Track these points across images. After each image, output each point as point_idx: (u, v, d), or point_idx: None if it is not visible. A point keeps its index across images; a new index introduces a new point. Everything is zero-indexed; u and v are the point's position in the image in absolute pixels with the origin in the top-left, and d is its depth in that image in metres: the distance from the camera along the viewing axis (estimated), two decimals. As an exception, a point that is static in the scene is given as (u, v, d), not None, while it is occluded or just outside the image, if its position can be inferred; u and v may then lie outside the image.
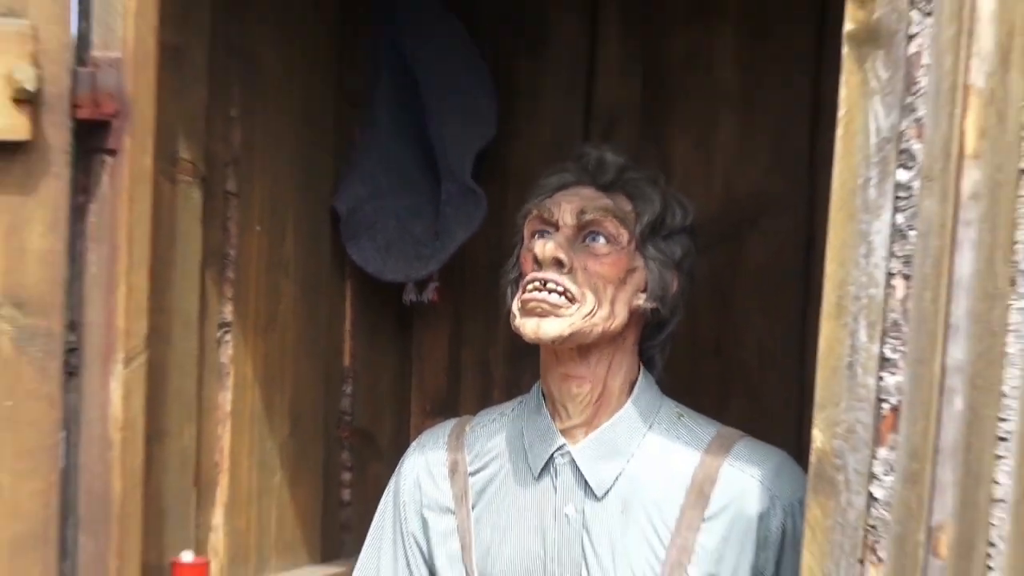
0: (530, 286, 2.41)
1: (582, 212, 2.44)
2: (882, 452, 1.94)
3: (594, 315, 2.41)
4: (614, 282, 2.45)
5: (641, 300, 2.49)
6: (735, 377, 3.06)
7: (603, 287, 2.43)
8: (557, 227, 2.45)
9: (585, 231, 2.45)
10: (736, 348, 3.14)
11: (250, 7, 2.77)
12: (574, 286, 2.40)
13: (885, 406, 1.93)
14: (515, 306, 2.46)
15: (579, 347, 2.45)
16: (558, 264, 2.40)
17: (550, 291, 2.39)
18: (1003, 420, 2.40)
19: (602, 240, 2.45)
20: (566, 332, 2.39)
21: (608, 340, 2.48)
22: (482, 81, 3.16)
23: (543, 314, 2.40)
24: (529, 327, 2.40)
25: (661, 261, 2.50)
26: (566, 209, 2.46)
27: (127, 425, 2.31)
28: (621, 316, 2.46)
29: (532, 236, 2.49)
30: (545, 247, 2.40)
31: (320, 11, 2.98)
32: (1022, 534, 2.49)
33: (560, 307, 2.39)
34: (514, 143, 3.22)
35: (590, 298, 2.41)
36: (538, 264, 2.42)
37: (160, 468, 2.54)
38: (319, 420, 3.04)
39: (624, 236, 2.46)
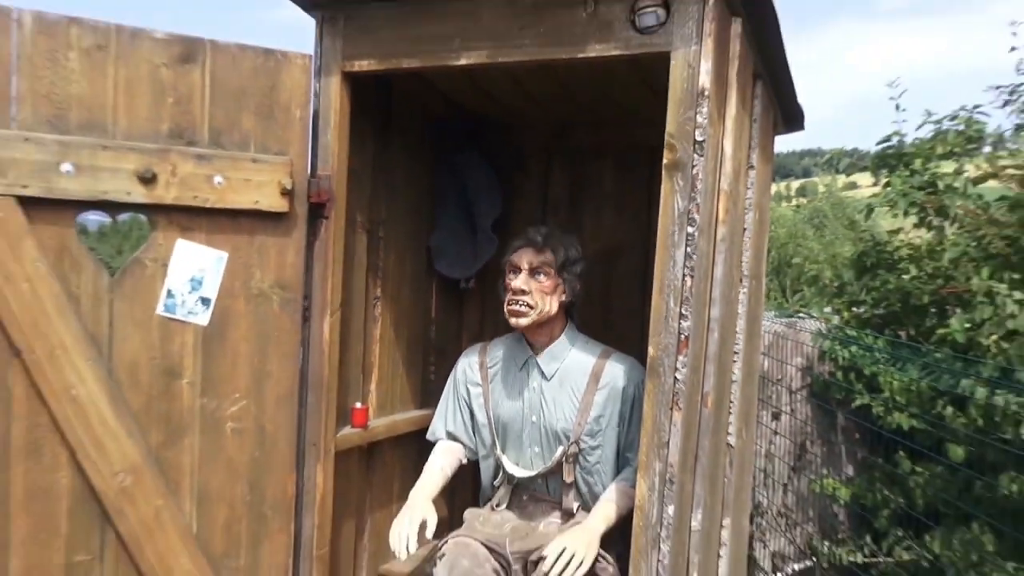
0: (511, 301, 2.48)
1: (531, 262, 2.48)
2: (680, 358, 1.94)
3: (542, 311, 2.47)
4: (551, 294, 2.49)
5: (564, 298, 2.53)
6: (614, 324, 3.06)
7: (545, 297, 2.48)
8: (520, 270, 2.49)
9: (534, 271, 2.48)
10: (614, 311, 3.14)
11: (389, 151, 2.75)
12: (532, 300, 2.46)
13: (682, 336, 1.93)
14: (505, 310, 2.50)
15: (538, 324, 2.49)
16: (522, 291, 2.45)
17: (520, 304, 2.46)
18: (736, 344, 2.41)
19: (542, 276, 2.48)
20: (530, 323, 2.47)
21: (551, 317, 2.51)
22: (495, 188, 3.15)
23: (518, 316, 2.47)
24: (512, 321, 2.48)
25: (570, 279, 2.53)
26: (523, 260, 2.49)
27: (330, 344, 2.32)
28: (555, 307, 2.50)
29: (508, 273, 2.52)
30: (515, 282, 2.47)
31: (420, 156, 2.97)
32: (746, 397, 2.50)
33: (526, 312, 2.46)
34: (510, 217, 3.21)
35: (540, 303, 2.47)
36: (513, 291, 2.47)
37: (345, 363, 2.53)
38: (419, 342, 3.04)
39: (552, 272, 2.49)
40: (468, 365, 2.71)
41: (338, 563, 2.58)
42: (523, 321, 2.48)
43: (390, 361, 2.85)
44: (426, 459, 2.65)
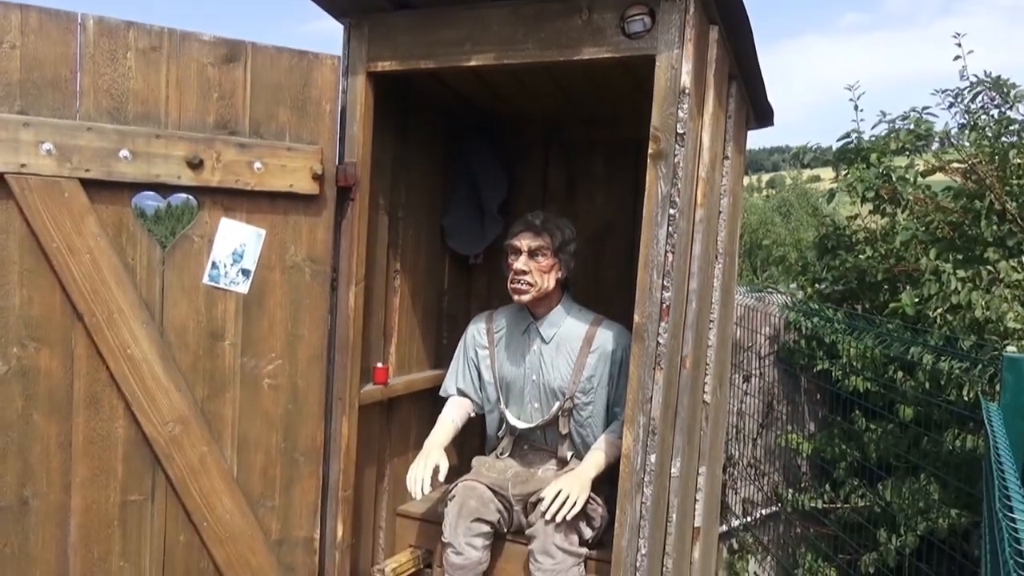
0: (513, 280, 2.47)
1: (530, 245, 2.46)
2: (662, 324, 1.94)
3: (541, 288, 2.46)
4: (548, 272, 2.47)
5: (560, 275, 2.51)
6: (603, 296, 3.04)
7: (544, 275, 2.46)
8: (521, 252, 2.47)
9: (533, 253, 2.46)
10: (603, 284, 3.12)
11: (407, 142, 2.74)
12: (532, 279, 2.44)
13: (664, 305, 1.93)
14: (509, 288, 2.49)
15: (538, 299, 2.48)
16: (523, 271, 2.44)
17: (522, 283, 2.44)
18: (712, 313, 2.41)
19: (540, 257, 2.46)
20: (531, 299, 2.47)
21: (549, 291, 2.50)
22: (500, 175, 3.14)
23: (520, 293, 2.45)
24: (515, 298, 2.48)
25: (565, 258, 2.51)
26: (524, 243, 2.47)
27: (355, 310, 2.31)
28: (553, 284, 2.49)
29: (510, 255, 2.50)
30: (517, 264, 2.46)
31: (435, 146, 2.96)
32: (720, 360, 2.50)
33: (527, 290, 2.45)
34: (513, 201, 3.20)
35: (539, 281, 2.45)
36: (515, 271, 2.46)
37: (368, 328, 2.53)
38: (433, 310, 3.03)
39: (549, 253, 2.47)
40: (476, 331, 2.71)
41: (361, 503, 2.59)
42: (525, 298, 2.48)
43: (408, 326, 2.85)
44: (439, 413, 2.67)
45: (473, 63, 2.13)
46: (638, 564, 2.01)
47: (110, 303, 2.00)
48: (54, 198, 1.93)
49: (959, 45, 4.14)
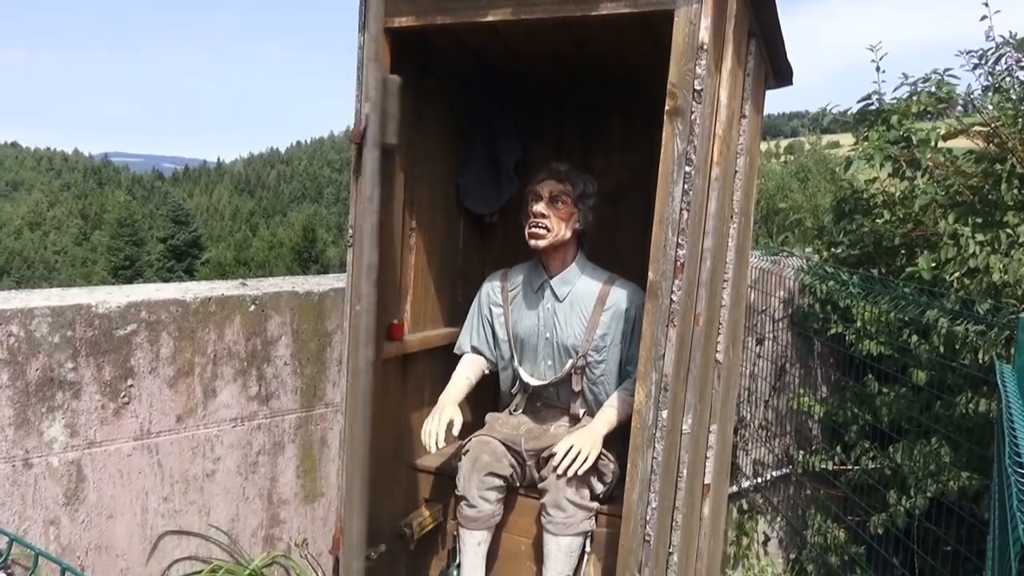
0: (531, 224, 2.47)
1: (551, 191, 2.46)
2: (676, 282, 1.93)
3: (558, 235, 2.46)
4: (566, 220, 2.47)
5: (577, 226, 2.51)
6: (618, 255, 3.02)
7: (561, 223, 2.46)
8: (541, 197, 2.46)
9: (553, 199, 2.46)
10: (618, 243, 3.10)
11: (424, 99, 2.72)
12: (549, 224, 2.44)
13: (678, 263, 1.92)
14: (526, 232, 2.48)
15: (553, 247, 2.48)
16: (542, 215, 2.43)
17: (540, 227, 2.44)
18: (726, 273, 2.40)
19: (560, 204, 2.46)
20: (547, 244, 2.46)
21: (565, 242, 2.50)
22: (516, 134, 3.13)
23: (537, 238, 2.45)
24: (532, 243, 2.47)
25: (584, 210, 2.51)
26: (545, 190, 2.47)
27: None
28: (569, 233, 2.49)
29: (531, 200, 2.50)
30: (536, 207, 2.46)
31: (451, 104, 2.95)
32: (733, 320, 2.49)
33: (543, 235, 2.44)
34: (529, 161, 3.18)
35: (556, 228, 2.45)
36: (534, 215, 2.45)
37: (382, 285, 2.53)
38: (448, 269, 3.02)
39: (569, 201, 2.47)
40: (491, 289, 2.72)
41: (376, 456, 2.62)
42: (541, 243, 2.48)
43: (423, 284, 2.85)
44: (453, 370, 2.68)
45: (490, 19, 2.11)
46: (648, 518, 2.02)
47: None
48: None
49: (986, 4, 4.06)
